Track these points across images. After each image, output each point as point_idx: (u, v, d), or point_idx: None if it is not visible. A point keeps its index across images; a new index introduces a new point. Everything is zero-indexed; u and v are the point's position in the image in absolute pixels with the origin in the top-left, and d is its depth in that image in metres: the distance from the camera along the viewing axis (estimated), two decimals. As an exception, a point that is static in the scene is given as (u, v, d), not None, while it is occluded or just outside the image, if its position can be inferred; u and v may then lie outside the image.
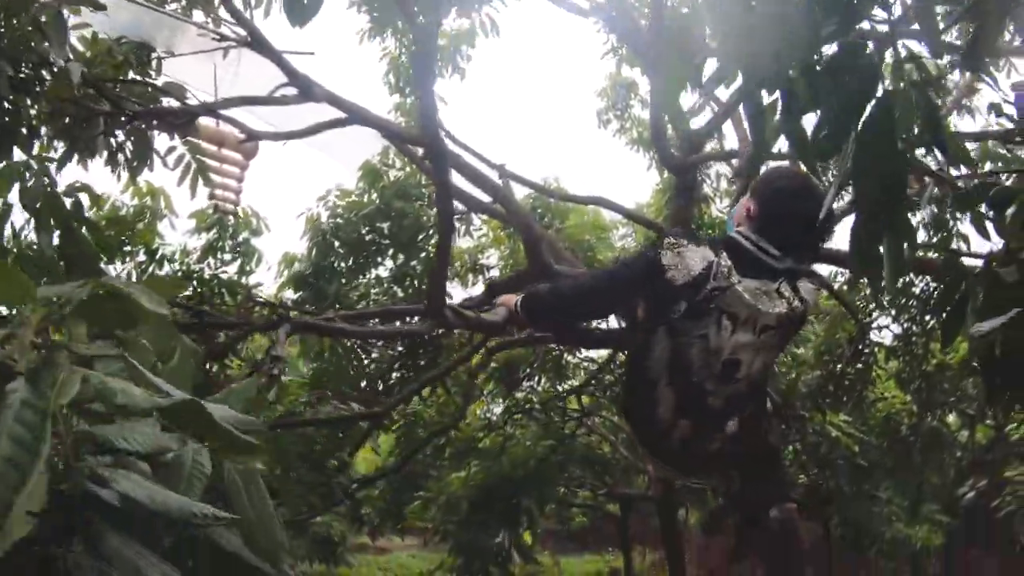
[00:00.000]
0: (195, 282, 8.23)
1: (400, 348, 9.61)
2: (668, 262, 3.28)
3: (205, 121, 7.08)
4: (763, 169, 3.66)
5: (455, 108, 21.87)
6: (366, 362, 9.64)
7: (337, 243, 9.25)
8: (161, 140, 6.32)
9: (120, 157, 5.98)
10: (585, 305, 3.72)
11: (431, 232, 9.70)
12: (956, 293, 2.86)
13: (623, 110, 11.81)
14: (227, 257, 8.85)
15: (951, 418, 13.18)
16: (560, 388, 12.94)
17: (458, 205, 9.35)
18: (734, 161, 9.02)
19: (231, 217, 8.29)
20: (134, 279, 7.87)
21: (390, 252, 9.44)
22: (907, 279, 10.38)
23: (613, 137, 11.73)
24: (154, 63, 6.12)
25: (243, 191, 8.03)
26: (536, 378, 12.88)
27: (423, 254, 9.79)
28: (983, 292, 2.60)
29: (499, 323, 4.57)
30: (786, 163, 3.71)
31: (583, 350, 12.18)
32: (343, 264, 9.34)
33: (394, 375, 9.60)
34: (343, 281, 9.10)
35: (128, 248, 8.29)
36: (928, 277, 10.31)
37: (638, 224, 9.28)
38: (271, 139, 5.83)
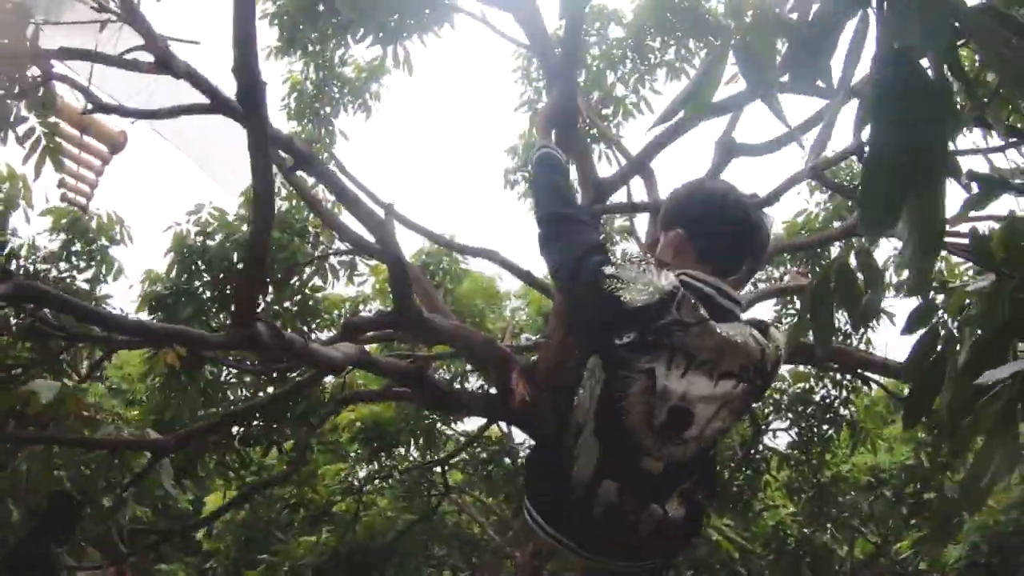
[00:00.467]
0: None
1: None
2: (624, 277, 2.59)
3: (68, 101, 6.46)
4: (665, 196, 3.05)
5: (357, 146, 21.28)
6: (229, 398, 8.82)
7: (203, 265, 8.43)
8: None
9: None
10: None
11: (307, 272, 9.11)
12: (930, 355, 2.35)
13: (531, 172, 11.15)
14: (80, 264, 8.03)
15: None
16: (430, 458, 12.19)
17: (341, 245, 8.78)
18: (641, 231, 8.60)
19: (85, 215, 7.52)
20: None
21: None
22: (807, 384, 10.09)
23: (519, 200, 11.14)
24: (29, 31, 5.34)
25: (98, 185, 7.42)
26: (406, 445, 12.12)
27: (298, 297, 9.06)
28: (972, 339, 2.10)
29: (336, 360, 3.94)
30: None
31: (459, 419, 11.58)
32: (207, 292, 8.53)
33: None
34: (204, 308, 8.27)
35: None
36: (829, 382, 10.07)
37: (533, 288, 8.62)
38: (119, 114, 5.07)
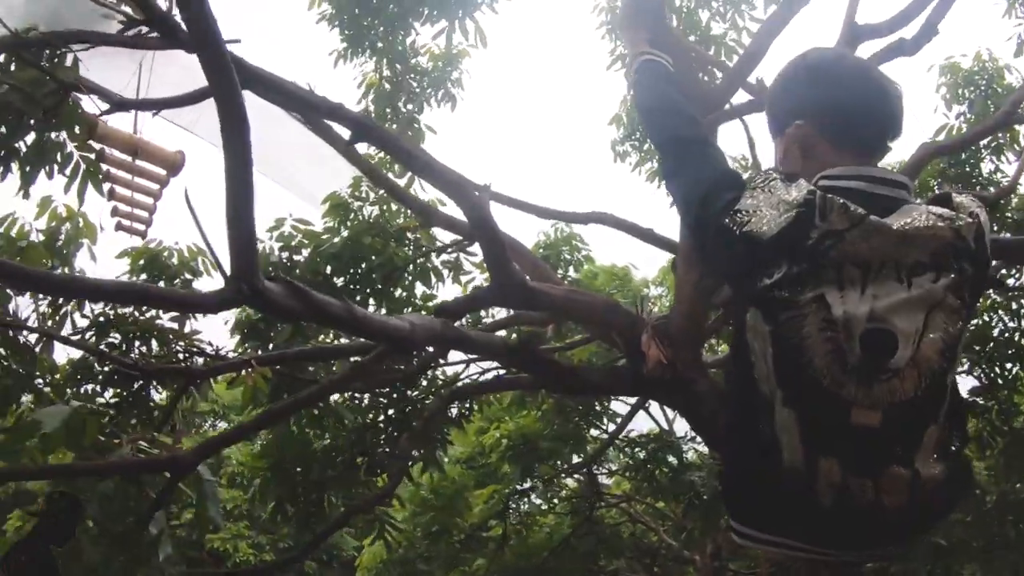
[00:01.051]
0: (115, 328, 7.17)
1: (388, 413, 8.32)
2: (748, 206, 2.04)
3: (116, 127, 6.04)
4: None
5: (449, 139, 20.95)
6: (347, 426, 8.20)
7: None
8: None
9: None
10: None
11: (408, 276, 8.46)
12: None
13: (642, 139, 10.25)
14: (164, 304, 7.49)
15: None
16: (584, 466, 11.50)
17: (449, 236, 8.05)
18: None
19: (140, 238, 7.10)
20: (47, 322, 7.15)
21: (357, 299, 8.00)
22: (981, 319, 9.07)
23: (632, 172, 10.21)
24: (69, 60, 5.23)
25: (156, 211, 6.91)
26: (557, 457, 11.42)
27: (404, 305, 8.45)
28: None
29: (403, 331, 3.16)
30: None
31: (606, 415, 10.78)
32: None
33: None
34: (300, 327, 7.64)
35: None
36: (1005, 313, 9.09)
37: (654, 244, 7.51)
38: (131, 106, 4.53)
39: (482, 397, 9.25)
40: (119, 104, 4.64)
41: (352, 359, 6.43)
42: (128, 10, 5.06)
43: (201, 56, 2.32)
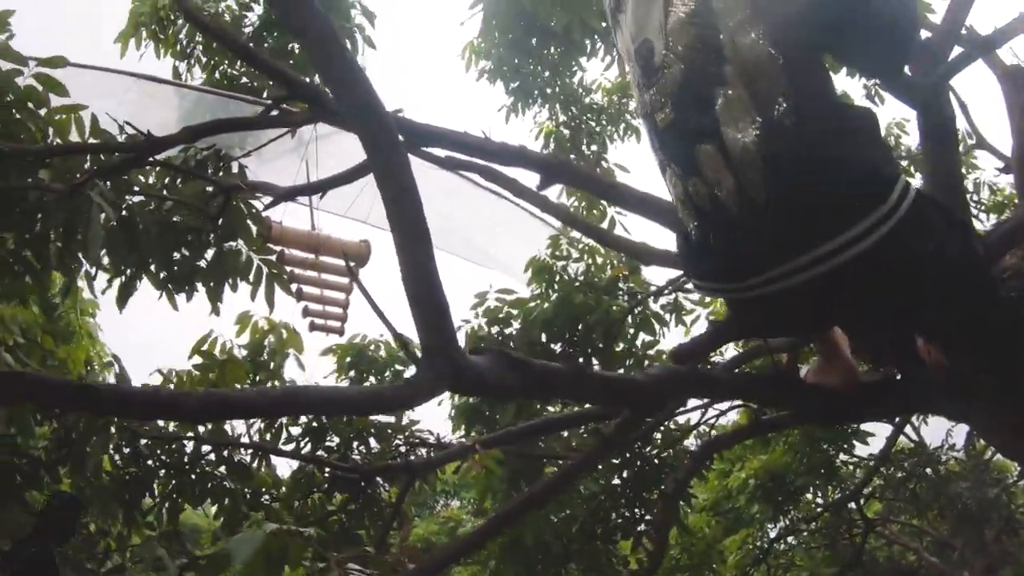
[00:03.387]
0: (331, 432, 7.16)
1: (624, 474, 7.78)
2: None
3: (292, 226, 5.87)
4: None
5: (641, 174, 20.36)
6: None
7: (508, 357, 7.41)
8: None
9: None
10: None
11: (631, 329, 7.92)
12: None
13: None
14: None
15: None
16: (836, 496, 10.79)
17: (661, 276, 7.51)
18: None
19: (337, 335, 6.92)
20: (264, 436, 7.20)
21: (579, 362, 7.56)
22: None
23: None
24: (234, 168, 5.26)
25: (349, 304, 6.67)
26: (810, 489, 10.87)
27: (627, 359, 7.94)
28: None
29: (639, 384, 2.65)
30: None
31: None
32: (521, 384, 7.49)
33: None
34: (527, 403, 7.26)
35: (250, 396, 6.83)
36: None
37: None
38: (294, 194, 4.28)
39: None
40: (283, 195, 4.37)
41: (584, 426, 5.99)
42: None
43: (353, 120, 2.02)
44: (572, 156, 8.80)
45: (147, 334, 14.78)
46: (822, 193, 2.06)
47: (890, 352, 3.58)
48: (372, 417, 7.03)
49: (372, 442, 7.06)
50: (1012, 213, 6.94)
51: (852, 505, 10.51)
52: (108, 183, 4.46)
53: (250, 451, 6.55)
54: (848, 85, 10.05)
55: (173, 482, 6.51)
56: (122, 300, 5.07)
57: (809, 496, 11.20)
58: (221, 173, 5.02)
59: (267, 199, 4.78)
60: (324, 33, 1.81)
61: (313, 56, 1.94)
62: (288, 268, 6.11)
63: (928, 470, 9.98)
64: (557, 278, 8.05)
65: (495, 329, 7.81)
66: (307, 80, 3.57)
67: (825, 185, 2.08)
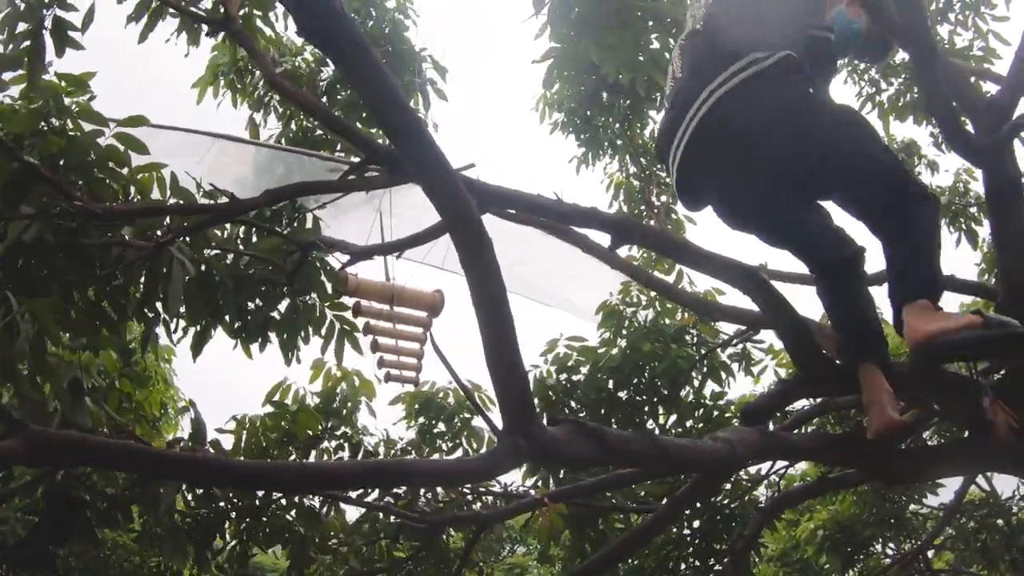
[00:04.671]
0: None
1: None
2: None
3: (368, 277, 5.96)
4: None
5: (709, 227, 20.43)
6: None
7: (576, 405, 7.44)
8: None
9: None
10: None
11: (701, 378, 7.89)
12: None
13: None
14: (445, 445, 7.28)
15: None
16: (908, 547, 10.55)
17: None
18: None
19: (412, 385, 6.87)
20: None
21: (645, 410, 7.53)
22: None
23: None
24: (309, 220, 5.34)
25: (424, 355, 6.71)
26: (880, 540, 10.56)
27: (695, 409, 7.83)
28: None
29: (704, 452, 2.66)
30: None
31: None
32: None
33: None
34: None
35: (324, 445, 7.18)
36: None
37: None
38: (370, 253, 4.35)
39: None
40: (359, 254, 4.45)
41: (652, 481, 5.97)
42: (355, 159, 5.02)
43: (425, 185, 2.05)
44: (642, 207, 8.84)
45: (226, 376, 14.97)
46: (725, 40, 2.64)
47: (956, 409, 3.55)
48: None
49: (439, 489, 7.06)
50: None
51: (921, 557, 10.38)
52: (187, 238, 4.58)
53: (319, 497, 6.59)
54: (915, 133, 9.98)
55: (244, 524, 6.58)
56: (197, 348, 5.14)
57: (878, 547, 10.93)
58: (296, 224, 5.15)
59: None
60: (409, 128, 1.90)
61: (398, 148, 2.03)
62: (363, 319, 6.21)
63: (1000, 520, 9.81)
64: (627, 323, 8.07)
65: (563, 376, 7.79)
66: (384, 144, 3.66)
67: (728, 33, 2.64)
